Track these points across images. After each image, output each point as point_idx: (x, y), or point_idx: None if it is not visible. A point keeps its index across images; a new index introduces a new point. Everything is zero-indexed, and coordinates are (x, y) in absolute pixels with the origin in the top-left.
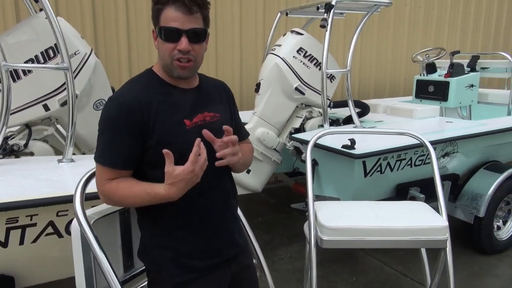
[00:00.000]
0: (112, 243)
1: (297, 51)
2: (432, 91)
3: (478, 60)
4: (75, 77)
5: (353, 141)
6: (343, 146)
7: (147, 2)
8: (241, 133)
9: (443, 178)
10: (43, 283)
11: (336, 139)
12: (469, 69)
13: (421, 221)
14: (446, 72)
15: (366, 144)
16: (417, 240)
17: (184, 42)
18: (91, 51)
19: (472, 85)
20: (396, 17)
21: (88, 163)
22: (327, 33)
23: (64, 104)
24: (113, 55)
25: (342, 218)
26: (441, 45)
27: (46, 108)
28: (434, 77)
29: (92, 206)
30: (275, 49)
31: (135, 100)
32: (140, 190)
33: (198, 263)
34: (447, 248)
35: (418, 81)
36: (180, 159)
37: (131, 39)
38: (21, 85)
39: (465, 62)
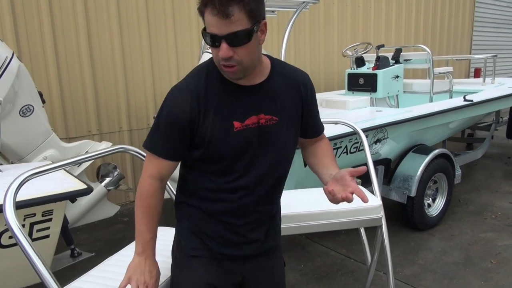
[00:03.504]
0: None
1: None
2: (362, 83)
3: (401, 53)
4: None
5: None
6: None
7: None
8: (315, 129)
9: (377, 163)
10: None
11: None
12: (394, 61)
13: (357, 202)
14: (373, 65)
15: None
16: (354, 220)
17: (223, 49)
18: (13, 54)
19: (397, 76)
20: (325, 15)
21: (18, 172)
22: None
23: None
24: (39, 58)
25: (284, 206)
26: (368, 40)
27: None
28: (363, 70)
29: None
30: None
31: (189, 94)
32: (139, 225)
33: (216, 246)
34: (383, 226)
35: (349, 74)
36: (219, 163)
37: (58, 40)
38: None
39: (390, 55)
